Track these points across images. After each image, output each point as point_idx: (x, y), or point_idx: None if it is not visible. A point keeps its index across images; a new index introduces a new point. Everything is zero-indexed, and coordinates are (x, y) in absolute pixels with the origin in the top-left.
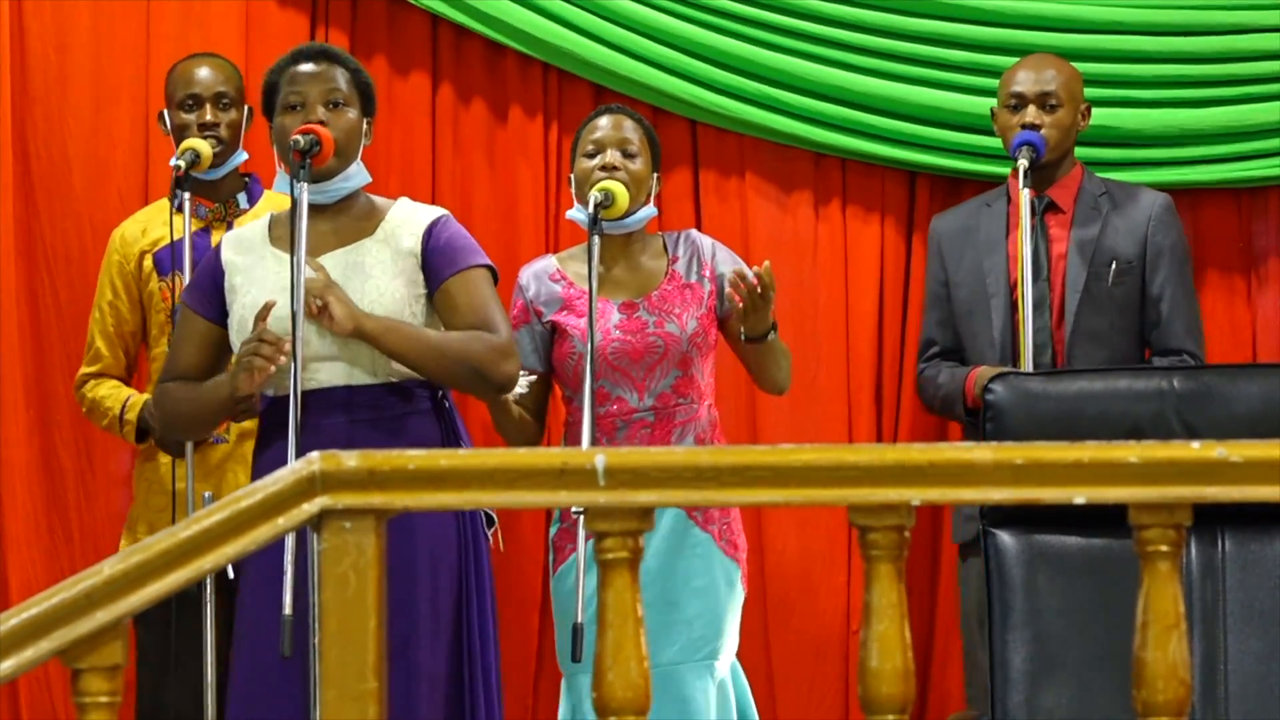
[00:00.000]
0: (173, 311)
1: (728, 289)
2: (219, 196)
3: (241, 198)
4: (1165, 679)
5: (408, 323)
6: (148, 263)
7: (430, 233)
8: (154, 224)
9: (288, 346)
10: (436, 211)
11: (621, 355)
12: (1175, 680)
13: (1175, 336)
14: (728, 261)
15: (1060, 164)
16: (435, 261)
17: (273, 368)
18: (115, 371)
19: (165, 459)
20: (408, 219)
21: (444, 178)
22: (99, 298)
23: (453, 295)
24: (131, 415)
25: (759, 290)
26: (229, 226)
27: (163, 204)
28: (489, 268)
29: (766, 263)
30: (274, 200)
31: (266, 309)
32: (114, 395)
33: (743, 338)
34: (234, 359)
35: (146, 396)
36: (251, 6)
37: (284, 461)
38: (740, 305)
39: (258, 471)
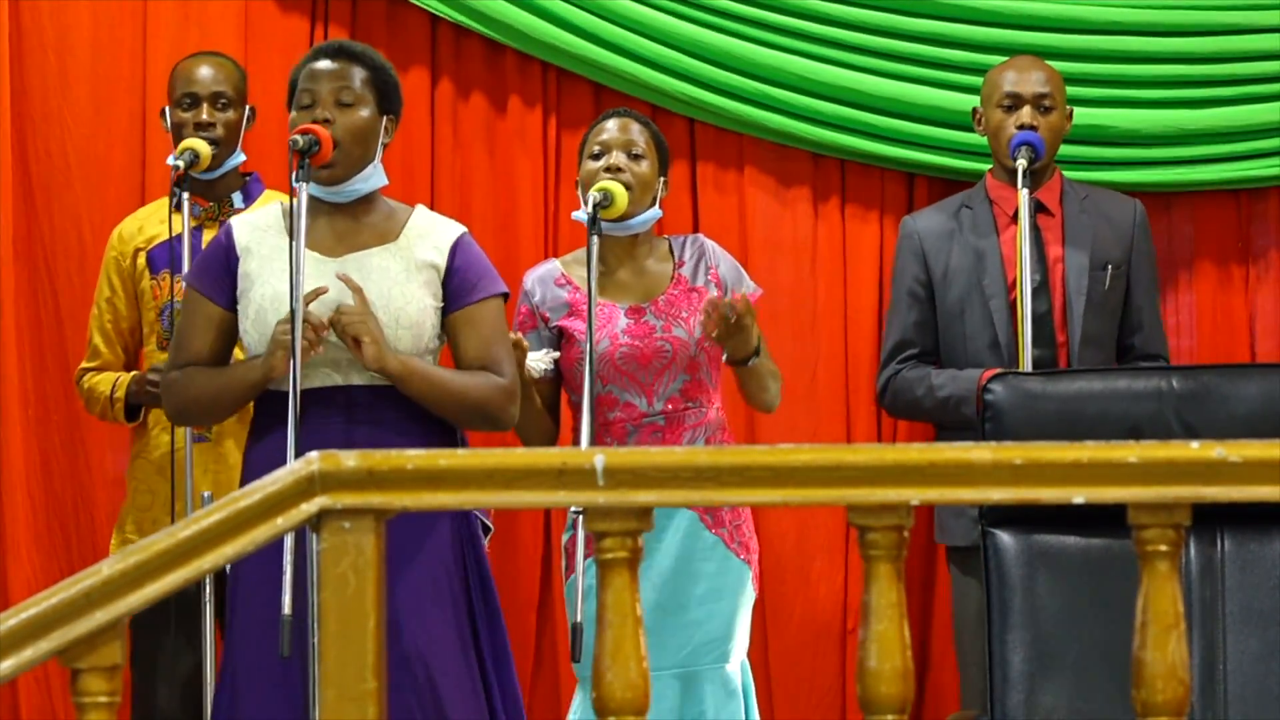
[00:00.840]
0: (163, 310)
1: (701, 315)
2: (214, 196)
3: (236, 197)
4: (1164, 679)
5: (425, 363)
6: (141, 261)
7: (455, 251)
8: (150, 222)
9: (326, 333)
10: (458, 228)
11: (629, 360)
12: (1174, 680)
13: (1155, 342)
14: (731, 270)
15: (1046, 167)
16: (456, 283)
17: (314, 352)
18: (114, 368)
19: (153, 457)
20: (430, 230)
21: (443, 174)
22: (98, 294)
23: (468, 325)
24: (120, 393)
25: (731, 318)
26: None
27: (161, 202)
28: (504, 295)
29: (741, 294)
30: (274, 199)
31: (315, 294)
32: (105, 380)
33: (725, 360)
34: (273, 337)
35: (135, 374)
36: (251, 6)
37: (277, 455)
38: (714, 333)
39: (249, 464)
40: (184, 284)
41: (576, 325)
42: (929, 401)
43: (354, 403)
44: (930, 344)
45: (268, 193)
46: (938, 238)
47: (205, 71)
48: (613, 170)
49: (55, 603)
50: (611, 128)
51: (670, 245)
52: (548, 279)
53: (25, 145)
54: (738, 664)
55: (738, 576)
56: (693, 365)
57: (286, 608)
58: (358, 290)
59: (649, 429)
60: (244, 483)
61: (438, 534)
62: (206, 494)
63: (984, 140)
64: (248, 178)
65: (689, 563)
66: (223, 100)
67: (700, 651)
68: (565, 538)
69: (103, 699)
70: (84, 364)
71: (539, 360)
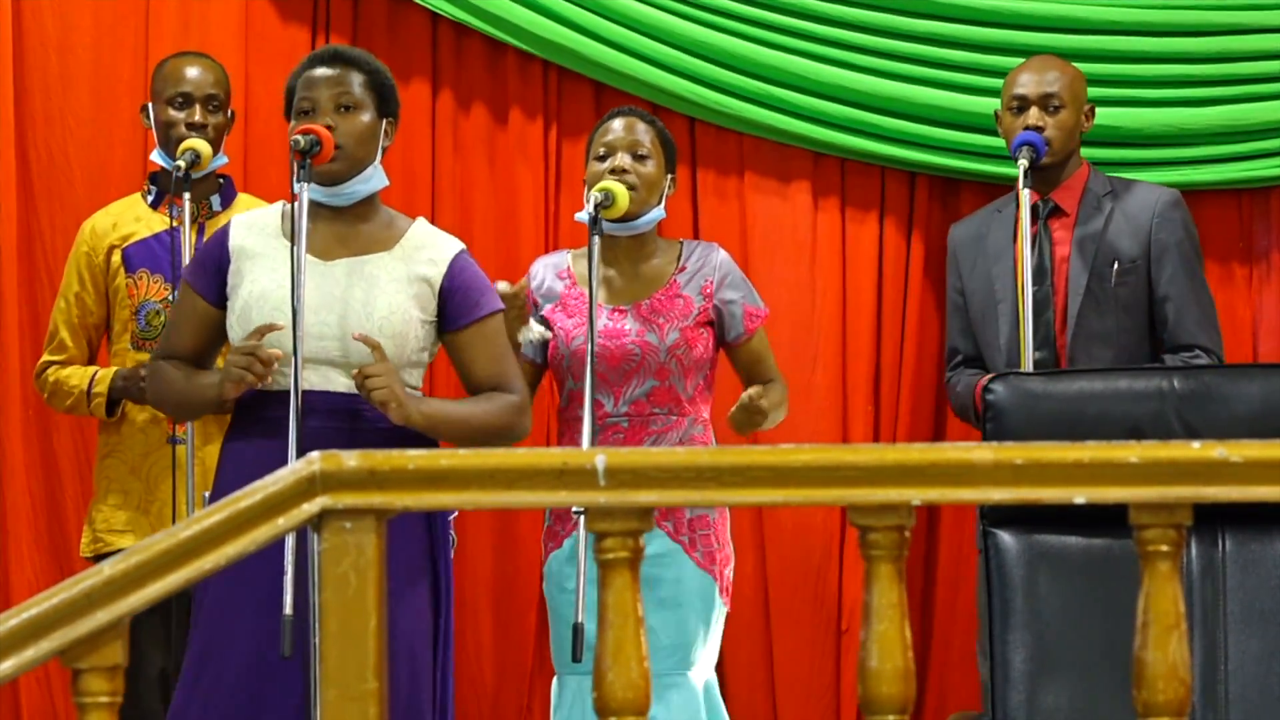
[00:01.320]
0: (138, 309)
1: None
2: (193, 197)
3: (215, 199)
4: (1165, 679)
5: (444, 406)
6: (116, 258)
7: (453, 269)
8: (125, 219)
9: (277, 366)
10: (456, 244)
11: (600, 361)
12: (1175, 680)
13: (1187, 333)
14: (735, 288)
15: (1065, 166)
16: (456, 302)
17: (260, 384)
18: (78, 362)
19: (124, 457)
20: (428, 244)
21: (444, 179)
22: (65, 288)
23: (476, 343)
24: (101, 388)
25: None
26: (200, 228)
27: (135, 199)
28: (502, 311)
29: (758, 390)
30: (249, 204)
31: (269, 329)
32: (79, 373)
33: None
34: (226, 361)
35: (115, 369)
36: (251, 6)
37: (254, 454)
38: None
39: (225, 461)
40: (183, 277)
41: (559, 319)
42: (957, 407)
43: (337, 410)
44: (974, 349)
45: (241, 196)
46: (967, 244)
47: (198, 73)
48: (617, 172)
49: (56, 603)
50: (617, 128)
51: (682, 248)
52: (552, 268)
53: (25, 145)
54: (703, 674)
55: (698, 586)
56: (661, 371)
57: (288, 607)
58: (376, 347)
59: (612, 429)
60: (217, 477)
61: (414, 541)
62: (208, 494)
63: (985, 140)
64: (222, 181)
65: (645, 569)
66: (214, 103)
67: (659, 656)
68: (546, 527)
69: (104, 699)
70: (48, 356)
71: (527, 331)
